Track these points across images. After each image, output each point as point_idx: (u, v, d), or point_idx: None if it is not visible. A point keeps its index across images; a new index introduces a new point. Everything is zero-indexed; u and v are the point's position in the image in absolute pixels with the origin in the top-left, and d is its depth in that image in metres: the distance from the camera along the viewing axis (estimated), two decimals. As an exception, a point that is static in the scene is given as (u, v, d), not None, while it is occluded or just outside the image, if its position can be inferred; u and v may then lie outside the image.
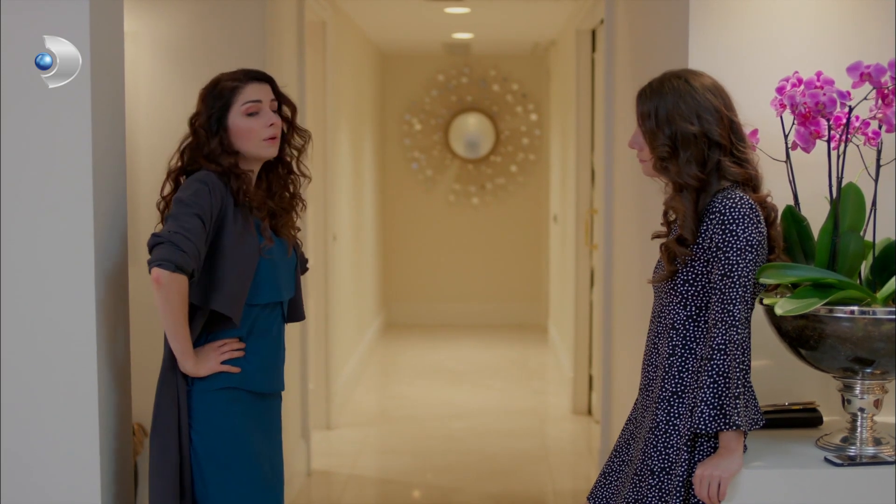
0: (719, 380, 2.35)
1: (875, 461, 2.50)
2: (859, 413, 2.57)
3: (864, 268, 2.62)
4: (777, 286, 2.57)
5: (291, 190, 2.87)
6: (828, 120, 2.54)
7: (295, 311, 2.94)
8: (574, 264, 6.63)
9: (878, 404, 2.57)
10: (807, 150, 2.60)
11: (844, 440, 2.59)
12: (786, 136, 2.67)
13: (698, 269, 2.44)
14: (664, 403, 2.48)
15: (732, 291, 2.36)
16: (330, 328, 5.93)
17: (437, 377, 7.74)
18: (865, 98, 2.54)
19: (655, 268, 2.61)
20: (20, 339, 2.63)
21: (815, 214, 2.68)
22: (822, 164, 2.66)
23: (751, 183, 2.46)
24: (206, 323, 2.69)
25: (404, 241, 9.86)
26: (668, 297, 2.50)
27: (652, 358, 2.57)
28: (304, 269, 3.01)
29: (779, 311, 2.41)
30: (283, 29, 4.74)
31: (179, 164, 2.76)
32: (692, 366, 2.45)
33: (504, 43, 8.90)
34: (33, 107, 2.60)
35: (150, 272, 2.54)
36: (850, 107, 2.52)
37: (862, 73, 2.48)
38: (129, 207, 2.97)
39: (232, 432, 2.70)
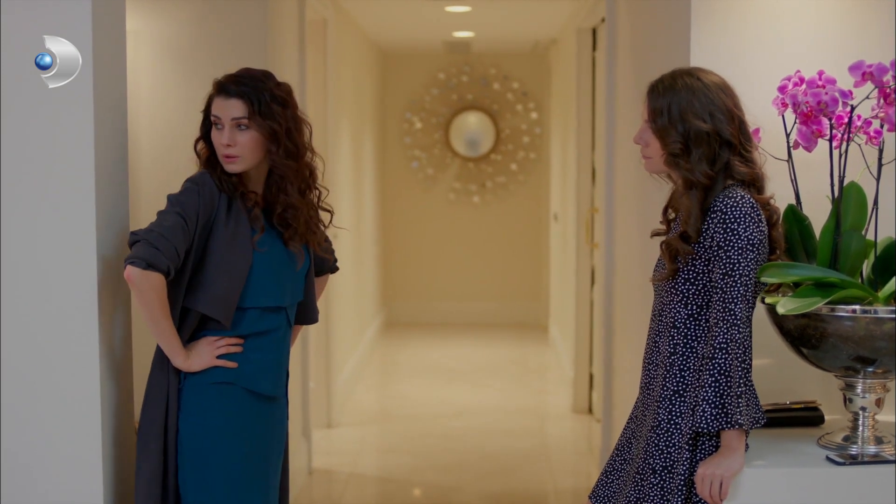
0: (721, 379, 2.35)
1: (877, 460, 2.50)
2: (861, 412, 2.57)
3: (866, 267, 2.62)
4: (779, 285, 2.57)
5: (293, 202, 2.72)
6: (829, 119, 2.54)
7: (305, 314, 2.91)
8: (574, 263, 6.63)
9: (879, 403, 2.57)
10: (808, 149, 2.60)
11: (846, 439, 2.59)
12: (787, 135, 2.67)
13: (699, 268, 2.44)
14: (665, 402, 2.48)
15: (734, 290, 2.36)
16: (330, 327, 5.93)
17: (437, 376, 7.74)
18: (867, 97, 2.54)
19: (656, 267, 2.61)
20: (22, 338, 2.63)
21: (817, 213, 2.68)
22: (824, 163, 2.66)
23: (756, 183, 2.46)
24: (201, 323, 2.67)
25: (405, 240, 9.86)
26: (669, 295, 2.50)
27: (653, 356, 2.57)
28: (335, 269, 3.04)
29: (781, 309, 2.42)
30: (284, 28, 4.74)
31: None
32: (693, 364, 2.46)
33: (505, 41, 8.90)
34: (35, 107, 2.60)
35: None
36: (851, 106, 2.52)
37: (864, 73, 2.48)
38: (130, 206, 2.96)
39: (219, 429, 2.66)
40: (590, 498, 2.70)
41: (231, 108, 2.64)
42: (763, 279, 2.42)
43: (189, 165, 2.80)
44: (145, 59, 4.08)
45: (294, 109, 2.72)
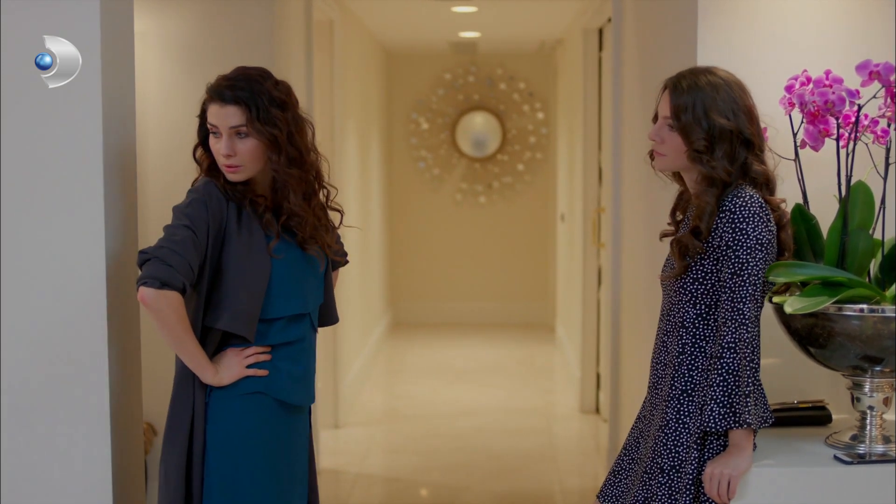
0: (729, 378, 2.35)
1: (885, 459, 2.50)
2: (868, 411, 2.57)
3: (874, 266, 2.62)
4: (787, 285, 2.57)
5: (297, 210, 2.60)
6: (836, 118, 2.54)
7: (327, 315, 2.82)
8: (581, 263, 6.63)
9: (887, 402, 2.57)
10: (816, 148, 2.61)
11: (854, 438, 2.59)
12: (794, 135, 2.67)
13: (708, 267, 2.44)
14: (674, 401, 2.48)
15: (742, 289, 2.36)
16: (337, 327, 5.94)
17: (443, 376, 7.74)
18: (874, 96, 2.54)
19: (665, 265, 2.61)
20: (32, 339, 2.64)
21: (824, 213, 2.68)
22: (831, 162, 2.66)
23: (770, 184, 2.47)
24: (224, 337, 2.57)
25: (411, 240, 9.87)
26: (678, 295, 2.50)
27: (661, 356, 2.58)
28: (344, 262, 2.89)
29: (788, 309, 2.42)
30: (290, 28, 4.75)
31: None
32: (702, 364, 2.46)
33: (511, 42, 8.90)
34: (43, 108, 2.61)
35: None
36: (858, 105, 2.52)
37: (871, 72, 2.48)
38: (138, 207, 2.97)
39: (249, 440, 2.57)
40: (598, 497, 2.70)
41: (228, 116, 2.50)
42: (771, 279, 2.42)
43: (194, 169, 2.71)
44: (152, 60, 4.10)
45: (295, 109, 2.59)
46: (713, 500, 2.40)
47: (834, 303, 2.43)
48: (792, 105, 2.64)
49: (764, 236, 2.38)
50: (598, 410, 6.46)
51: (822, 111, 2.50)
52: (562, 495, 5.06)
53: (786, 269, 2.45)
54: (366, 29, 7.82)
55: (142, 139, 3.94)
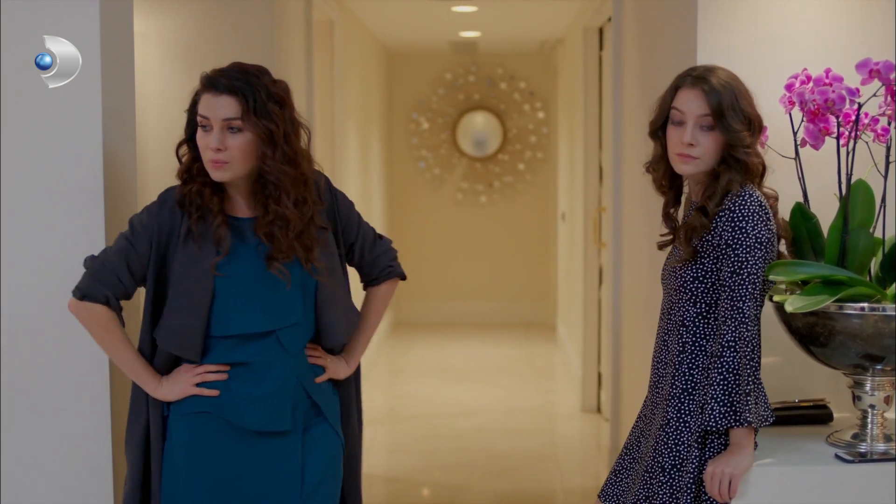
0: (729, 377, 2.35)
1: (886, 457, 2.50)
2: (870, 410, 2.57)
3: (874, 264, 2.62)
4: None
5: (287, 213, 2.40)
6: (837, 117, 2.54)
7: (326, 336, 2.53)
8: (582, 262, 6.63)
9: (888, 401, 2.57)
10: (816, 146, 2.61)
11: (855, 437, 2.59)
12: (794, 133, 2.67)
13: (708, 266, 2.44)
14: (675, 400, 2.48)
15: (742, 288, 2.36)
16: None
17: (444, 376, 7.74)
18: (875, 95, 2.54)
19: (666, 262, 2.60)
20: (32, 340, 2.64)
21: (824, 211, 2.68)
22: (831, 160, 2.66)
23: (765, 173, 2.48)
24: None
25: (412, 240, 9.87)
26: (678, 294, 2.50)
27: (662, 355, 2.57)
28: (394, 274, 2.71)
29: (789, 307, 2.42)
30: (291, 29, 4.75)
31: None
32: (702, 363, 2.46)
33: (511, 41, 8.90)
34: (42, 108, 2.61)
35: None
36: (859, 104, 2.52)
37: (871, 70, 2.48)
38: (138, 208, 2.97)
39: (192, 458, 2.43)
40: (599, 497, 2.70)
41: (222, 107, 2.33)
42: (771, 277, 2.42)
43: None
44: (152, 60, 4.10)
45: (292, 111, 2.43)
46: (714, 499, 2.40)
47: (835, 301, 2.43)
48: (792, 104, 2.64)
49: (763, 235, 2.38)
50: (599, 410, 6.46)
51: (823, 110, 2.50)
52: (563, 495, 5.06)
53: (786, 267, 2.45)
54: (366, 29, 7.82)
55: (141, 140, 3.94)
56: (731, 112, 2.39)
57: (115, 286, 2.40)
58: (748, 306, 2.36)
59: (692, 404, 2.46)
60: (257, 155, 2.38)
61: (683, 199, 2.63)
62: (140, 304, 2.58)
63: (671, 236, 2.61)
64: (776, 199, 2.52)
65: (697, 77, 2.43)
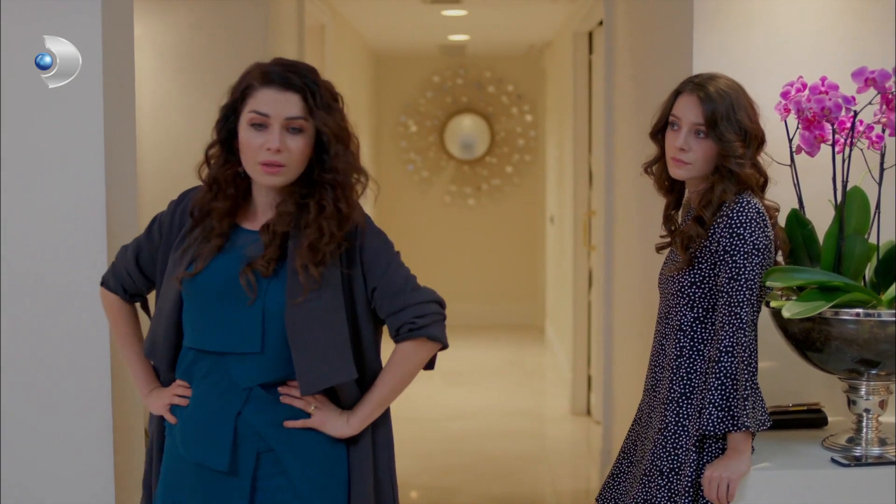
0: (727, 382, 2.38)
1: (881, 461, 2.53)
2: (864, 414, 2.60)
3: (869, 270, 2.65)
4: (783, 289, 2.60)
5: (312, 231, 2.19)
6: (832, 124, 2.57)
7: (299, 378, 2.18)
8: (572, 265, 6.65)
9: (883, 405, 2.60)
10: (811, 154, 2.63)
11: (850, 441, 2.62)
12: (790, 141, 2.70)
13: (706, 271, 2.46)
14: (672, 405, 2.50)
15: (739, 294, 2.39)
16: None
17: (434, 378, 7.70)
18: (870, 103, 2.57)
19: (663, 268, 2.62)
20: (33, 343, 2.64)
21: (819, 217, 2.70)
22: (825, 167, 2.69)
23: (767, 183, 2.50)
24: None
25: (400, 242, 9.74)
26: (676, 298, 2.53)
27: (659, 359, 2.60)
28: (433, 338, 2.33)
29: (786, 313, 2.44)
30: (284, 33, 4.76)
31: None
32: (700, 367, 2.48)
33: (499, 44, 8.92)
34: (44, 108, 2.62)
35: None
36: (854, 111, 2.55)
37: (867, 79, 2.51)
38: (139, 209, 2.97)
39: (165, 481, 2.28)
40: (597, 500, 2.72)
41: (287, 105, 2.14)
42: (768, 283, 2.45)
43: (190, 173, 2.50)
44: (146, 65, 4.10)
45: (345, 115, 2.26)
46: (712, 503, 2.42)
47: (831, 307, 2.45)
48: (787, 111, 2.67)
49: (761, 241, 2.40)
50: (589, 412, 6.48)
51: (819, 118, 2.53)
52: (555, 497, 5.08)
53: (783, 273, 2.48)
54: (355, 32, 7.83)
55: (138, 143, 3.94)
56: (725, 122, 2.42)
57: (125, 280, 2.36)
58: (745, 312, 2.38)
59: (690, 408, 2.48)
60: (308, 161, 2.20)
61: (683, 201, 2.65)
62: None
63: (669, 239, 2.64)
64: (777, 210, 2.54)
65: (697, 84, 2.46)
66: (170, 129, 4.06)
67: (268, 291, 2.18)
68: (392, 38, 8.52)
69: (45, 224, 2.65)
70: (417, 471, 5.48)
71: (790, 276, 2.47)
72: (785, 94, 2.66)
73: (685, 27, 3.01)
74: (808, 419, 2.82)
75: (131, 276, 2.35)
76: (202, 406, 2.21)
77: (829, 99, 2.50)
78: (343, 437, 2.26)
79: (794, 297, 2.57)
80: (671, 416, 2.50)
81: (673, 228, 2.64)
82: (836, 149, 2.62)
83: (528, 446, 5.94)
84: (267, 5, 4.32)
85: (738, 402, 2.36)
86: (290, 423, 2.21)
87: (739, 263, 2.39)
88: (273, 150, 2.13)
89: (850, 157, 2.59)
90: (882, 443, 2.59)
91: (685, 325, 2.50)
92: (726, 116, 2.42)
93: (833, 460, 2.53)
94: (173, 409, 2.26)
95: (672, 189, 2.63)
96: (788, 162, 2.70)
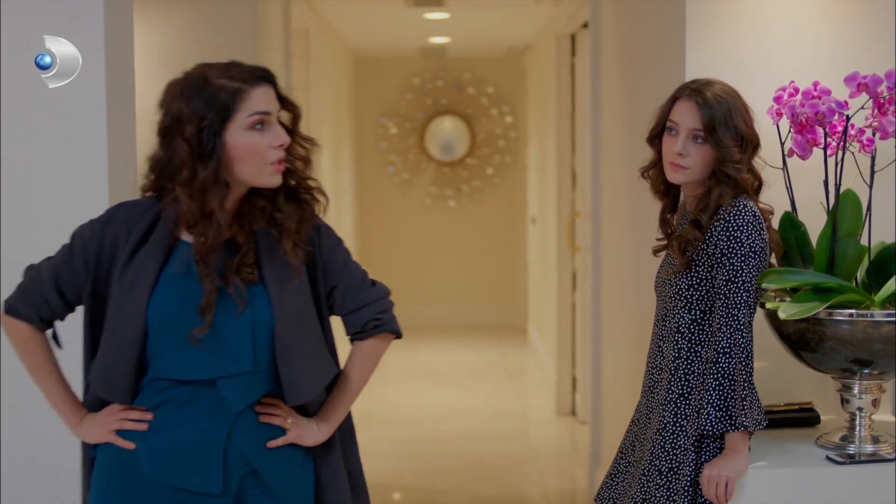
0: (725, 382, 2.42)
1: (874, 459, 2.58)
2: (857, 412, 2.65)
3: (860, 271, 2.70)
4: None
5: (284, 221, 2.16)
6: (824, 128, 2.61)
7: (289, 390, 2.16)
8: (556, 267, 6.69)
9: (875, 403, 2.64)
10: (804, 157, 2.68)
11: (844, 439, 2.66)
12: (782, 144, 2.74)
13: (703, 274, 2.50)
14: (671, 405, 2.54)
15: (737, 296, 2.43)
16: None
17: (419, 380, 7.78)
18: (862, 107, 2.62)
19: (659, 272, 2.66)
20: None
21: (810, 220, 2.75)
22: (815, 170, 2.73)
23: (761, 187, 2.54)
24: None
25: (381, 245, 9.90)
26: (673, 301, 2.56)
27: (656, 360, 2.63)
28: (386, 329, 2.32)
29: (782, 314, 2.48)
30: (271, 37, 4.77)
31: (150, 188, 2.16)
32: (697, 368, 2.52)
33: (479, 46, 8.96)
34: (47, 108, 2.63)
35: None
36: (847, 116, 2.59)
37: (859, 84, 2.55)
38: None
39: None
40: (595, 500, 2.75)
41: (274, 100, 2.11)
42: (764, 285, 2.49)
43: None
44: (136, 68, 4.10)
45: None
46: (711, 502, 2.46)
47: (825, 308, 2.50)
48: (780, 115, 2.71)
49: (757, 244, 2.44)
50: (574, 413, 6.52)
51: (813, 122, 2.57)
52: (544, 498, 5.12)
53: (778, 275, 2.52)
54: (336, 35, 7.84)
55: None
56: (723, 127, 2.46)
57: (40, 306, 2.16)
58: (743, 313, 2.42)
59: (688, 409, 2.52)
60: None
61: (679, 205, 2.69)
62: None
63: (665, 241, 2.68)
64: (771, 213, 2.59)
65: (694, 90, 2.49)
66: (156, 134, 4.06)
67: (253, 301, 2.11)
68: (373, 40, 8.54)
69: (47, 224, 2.65)
70: (408, 472, 5.51)
71: (785, 278, 2.52)
72: (777, 99, 2.71)
73: (678, 32, 3.05)
74: (802, 418, 2.87)
75: (49, 302, 2.15)
76: (181, 431, 2.11)
77: (823, 104, 2.55)
78: (312, 444, 2.25)
79: (787, 299, 2.62)
80: (669, 417, 2.53)
81: (669, 232, 2.68)
82: (828, 152, 2.66)
83: (515, 447, 5.98)
84: (255, 9, 4.34)
85: (736, 402, 2.40)
86: (273, 443, 2.18)
87: (737, 266, 2.43)
88: (283, 146, 2.10)
89: (842, 160, 2.63)
90: (875, 440, 2.63)
91: (683, 327, 2.54)
92: (724, 122, 2.45)
93: (828, 458, 2.57)
94: (127, 434, 2.13)
95: (668, 193, 2.67)
96: (780, 165, 2.74)
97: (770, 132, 2.74)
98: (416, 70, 9.78)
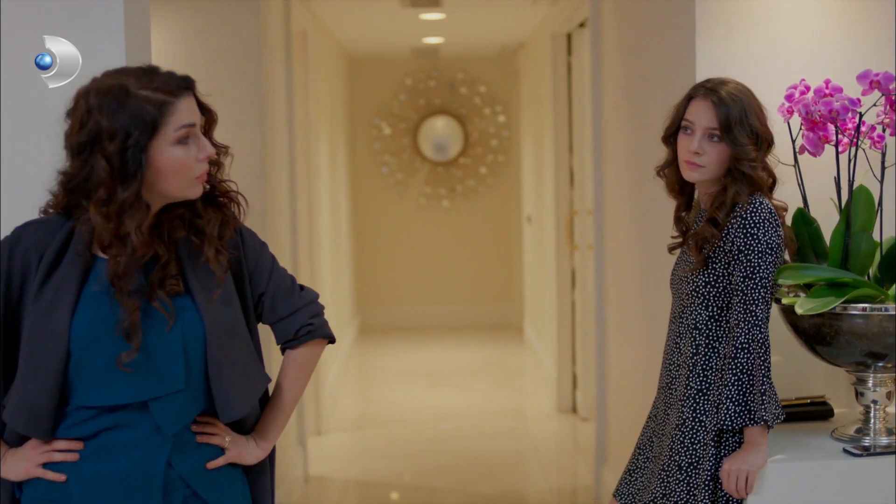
0: (744, 377, 2.45)
1: (889, 451, 2.61)
2: (872, 405, 2.68)
3: (872, 266, 2.73)
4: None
5: (206, 228, 2.04)
6: (836, 126, 2.65)
7: (225, 407, 2.04)
8: (555, 265, 6.72)
9: (889, 396, 2.68)
10: (815, 154, 2.71)
11: (858, 431, 2.70)
12: (793, 141, 2.77)
13: (719, 271, 2.53)
14: (690, 401, 2.57)
15: (754, 292, 2.46)
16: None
17: (417, 379, 7.80)
18: (875, 105, 2.65)
19: (674, 270, 2.69)
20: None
21: (821, 216, 2.78)
22: (824, 167, 2.77)
23: (775, 184, 2.58)
24: None
25: (377, 245, 9.92)
26: (690, 298, 2.59)
27: (674, 357, 2.66)
28: (319, 335, 2.21)
29: (799, 310, 2.52)
30: (273, 41, 4.78)
31: (60, 205, 2.00)
32: (715, 364, 2.55)
33: (471, 46, 8.98)
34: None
35: None
36: (860, 113, 2.63)
37: (871, 81, 2.59)
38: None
39: None
40: (614, 496, 2.78)
41: (196, 109, 1.98)
42: (780, 281, 2.52)
43: None
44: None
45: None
46: (731, 496, 2.49)
47: (841, 303, 2.53)
48: (791, 113, 2.74)
49: (774, 241, 2.48)
50: (574, 410, 6.55)
51: (827, 120, 2.61)
52: (549, 495, 5.15)
53: (794, 271, 2.56)
54: (330, 36, 7.86)
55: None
56: (739, 126, 2.49)
57: None
58: (760, 309, 2.46)
59: (707, 404, 2.55)
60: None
61: (693, 203, 2.72)
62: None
63: (681, 239, 2.71)
64: (785, 210, 2.62)
65: (710, 89, 2.53)
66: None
67: (181, 314, 1.99)
68: (366, 41, 8.56)
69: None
70: (405, 472, 5.53)
71: (802, 274, 2.55)
72: (789, 97, 2.74)
73: (687, 31, 3.07)
74: (815, 411, 2.90)
75: None
76: (116, 458, 1.99)
77: (837, 101, 2.58)
78: (254, 463, 2.15)
79: (800, 294, 2.65)
80: (688, 412, 2.57)
81: (684, 230, 2.71)
82: (840, 149, 2.70)
83: (516, 445, 6.01)
84: (258, 13, 4.35)
85: (755, 396, 2.44)
86: (213, 464, 2.08)
87: (754, 262, 2.46)
88: (210, 158, 1.99)
89: (855, 156, 2.67)
90: (890, 432, 2.67)
91: (700, 324, 2.57)
92: (739, 120, 2.49)
93: (845, 451, 2.61)
94: (56, 466, 1.99)
95: (682, 192, 2.70)
96: (791, 162, 2.78)
97: (780, 130, 2.77)
98: (408, 70, 9.80)
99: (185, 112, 1.93)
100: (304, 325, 2.19)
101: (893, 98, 2.58)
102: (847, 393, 2.97)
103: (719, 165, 2.52)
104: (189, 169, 1.95)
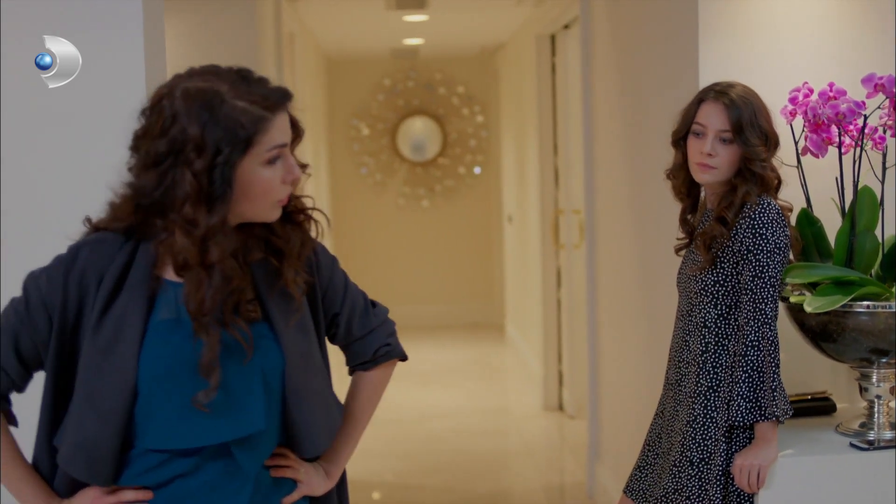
0: (754, 374, 2.51)
1: (893, 444, 2.68)
2: (876, 400, 2.75)
3: (875, 264, 2.80)
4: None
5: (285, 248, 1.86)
6: (839, 127, 2.71)
7: (305, 442, 1.88)
8: (540, 264, 6.77)
9: (893, 391, 2.75)
10: (819, 156, 2.78)
11: (863, 426, 2.77)
12: (796, 143, 2.84)
13: (728, 270, 2.59)
14: (700, 398, 2.62)
15: (763, 291, 2.52)
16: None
17: (403, 379, 7.77)
18: (879, 107, 2.72)
19: (681, 269, 2.74)
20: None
21: (823, 216, 2.84)
22: (826, 168, 2.83)
23: (780, 185, 2.64)
24: None
25: (356, 245, 9.93)
26: (698, 297, 2.65)
27: (683, 355, 2.71)
28: (393, 354, 2.08)
29: (808, 308, 2.58)
30: (265, 43, 4.80)
31: (124, 223, 1.79)
32: (725, 361, 2.60)
33: (450, 47, 9.02)
34: (89, 101, 2.65)
35: None
36: (865, 115, 2.70)
37: (876, 84, 2.66)
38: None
39: None
40: (625, 492, 2.83)
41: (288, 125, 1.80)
42: (789, 280, 2.59)
43: None
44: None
45: None
46: (743, 490, 2.55)
47: (848, 301, 2.59)
48: (793, 115, 2.81)
49: (781, 241, 2.53)
50: (561, 408, 6.61)
51: (833, 122, 2.67)
52: (538, 492, 5.19)
53: (801, 270, 2.62)
54: (310, 37, 7.87)
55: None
56: (750, 127, 2.55)
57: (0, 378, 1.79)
58: (769, 308, 2.52)
59: (717, 401, 2.60)
60: None
61: (699, 204, 2.77)
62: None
63: (687, 240, 2.76)
64: (791, 210, 2.68)
65: (720, 92, 2.58)
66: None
67: (259, 344, 1.79)
68: (345, 42, 8.57)
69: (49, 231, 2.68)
70: (397, 471, 5.56)
71: (810, 273, 2.62)
72: (793, 100, 2.80)
73: (690, 33, 3.12)
74: (819, 407, 2.97)
75: (10, 374, 1.79)
76: (204, 498, 1.80)
77: (843, 104, 2.65)
78: (322, 494, 1.98)
79: (805, 293, 2.71)
80: (699, 409, 2.62)
81: (690, 230, 2.76)
82: (843, 150, 2.76)
83: (505, 443, 6.06)
84: (252, 16, 4.37)
85: (766, 392, 2.49)
86: (288, 499, 1.92)
87: (763, 262, 2.52)
88: (297, 182, 1.81)
89: (860, 158, 2.73)
90: (893, 427, 2.74)
91: (709, 322, 2.63)
92: (750, 122, 2.55)
93: (851, 445, 2.67)
94: None
95: (689, 194, 2.76)
96: (794, 163, 2.84)
97: (783, 131, 2.83)
98: (386, 71, 9.83)
99: (279, 130, 1.74)
100: (383, 345, 2.04)
101: (896, 101, 2.65)
102: (848, 389, 3.04)
103: (730, 167, 2.58)
104: (274, 192, 1.77)
